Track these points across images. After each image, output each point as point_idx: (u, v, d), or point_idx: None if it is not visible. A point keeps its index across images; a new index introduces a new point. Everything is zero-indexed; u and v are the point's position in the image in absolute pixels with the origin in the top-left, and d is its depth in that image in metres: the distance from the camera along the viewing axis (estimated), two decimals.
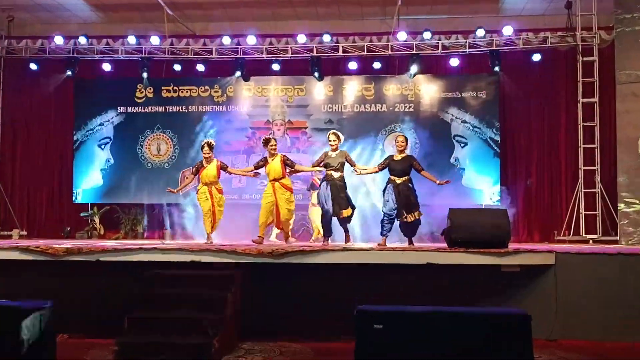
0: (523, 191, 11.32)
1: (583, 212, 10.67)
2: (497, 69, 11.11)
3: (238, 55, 11.55)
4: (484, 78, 11.42)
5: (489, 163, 11.26)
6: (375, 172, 8.51)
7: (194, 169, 8.75)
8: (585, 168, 10.83)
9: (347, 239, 8.45)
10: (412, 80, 11.47)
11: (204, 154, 8.61)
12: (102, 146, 11.97)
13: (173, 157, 11.88)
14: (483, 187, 11.22)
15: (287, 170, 8.50)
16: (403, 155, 8.20)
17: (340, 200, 8.14)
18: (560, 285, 6.97)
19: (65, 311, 6.27)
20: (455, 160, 11.37)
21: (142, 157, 11.94)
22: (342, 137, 8.40)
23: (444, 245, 7.54)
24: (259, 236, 8.38)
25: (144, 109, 11.95)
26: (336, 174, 8.16)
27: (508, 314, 4.79)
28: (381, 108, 11.60)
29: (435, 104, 11.49)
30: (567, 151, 11.28)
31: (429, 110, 11.50)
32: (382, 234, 8.15)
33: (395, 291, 6.86)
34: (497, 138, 11.26)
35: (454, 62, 11.37)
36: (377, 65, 11.49)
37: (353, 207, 8.36)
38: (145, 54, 11.65)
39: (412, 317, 4.61)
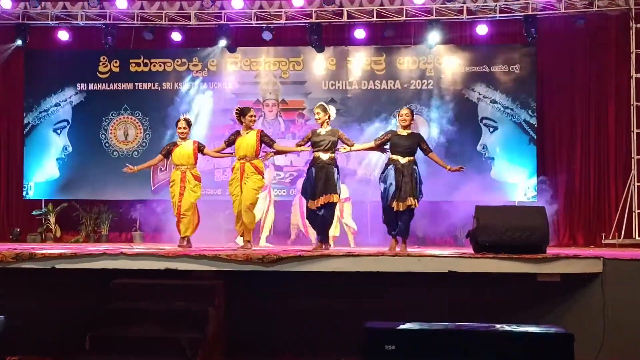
0: (564, 185, 11.42)
1: (636, 210, 10.75)
2: (533, 38, 11.16)
3: (222, 22, 11.59)
4: (517, 49, 11.50)
5: (523, 151, 11.35)
6: (372, 148, 8.24)
7: (164, 150, 8.46)
8: None
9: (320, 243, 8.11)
10: (431, 51, 11.57)
11: (180, 130, 8.42)
12: (59, 131, 12.00)
13: (143, 144, 11.91)
14: (516, 180, 11.31)
15: (262, 153, 8.28)
16: (409, 131, 8.02)
17: (326, 186, 7.84)
18: (609, 298, 6.81)
19: (16, 328, 6.32)
20: (483, 148, 11.47)
21: (107, 144, 11.98)
22: (332, 111, 8.15)
23: (469, 250, 7.53)
24: (246, 241, 8.24)
25: (109, 86, 11.98)
26: (325, 156, 7.93)
27: (546, 333, 4.80)
28: (394, 85, 11.69)
29: (459, 81, 11.59)
30: (618, 137, 11.32)
31: (451, 88, 11.59)
32: (391, 234, 7.98)
33: (409, 305, 6.83)
34: (534, 121, 11.32)
35: (482, 29, 11.45)
36: (389, 33, 11.52)
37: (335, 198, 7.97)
38: (109, 20, 11.65)
39: (430, 335, 4.61)
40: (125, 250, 7.18)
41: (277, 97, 11.79)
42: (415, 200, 7.71)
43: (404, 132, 7.97)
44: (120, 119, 11.95)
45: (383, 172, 7.91)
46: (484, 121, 11.47)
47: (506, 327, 5.18)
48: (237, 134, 8.26)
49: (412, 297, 6.90)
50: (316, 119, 8.13)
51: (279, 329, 7.12)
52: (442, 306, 6.83)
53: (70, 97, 11.97)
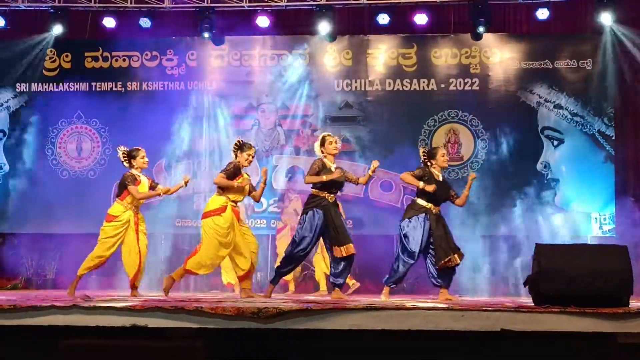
0: None
1: None
2: (606, 19, 11.06)
3: (204, 4, 11.62)
4: (589, 38, 11.44)
5: (597, 171, 11.31)
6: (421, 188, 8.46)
7: (130, 177, 8.54)
8: None
9: (342, 290, 8.59)
10: (476, 42, 11.54)
11: (143, 160, 8.67)
12: None
13: (102, 162, 11.88)
14: (589, 209, 11.23)
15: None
16: (441, 175, 8.49)
17: (337, 233, 8.30)
18: None
19: None
20: (545, 167, 11.41)
21: (55, 162, 11.93)
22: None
23: (529, 301, 7.52)
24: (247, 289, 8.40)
25: (57, 87, 11.98)
26: (330, 195, 8.39)
27: None
28: (427, 85, 11.65)
29: (512, 80, 11.58)
30: None
31: (502, 90, 11.59)
32: (387, 283, 8.50)
33: None
34: (611, 132, 11.25)
35: (542, 14, 11.39)
36: (421, 19, 11.46)
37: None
38: (58, 2, 11.66)
39: None
40: (81, 301, 7.20)
41: (275, 100, 11.76)
42: (458, 253, 8.33)
43: (440, 176, 8.45)
44: (72, 129, 11.92)
45: (407, 219, 8.37)
46: (546, 132, 11.40)
47: None
48: (238, 168, 8.41)
49: None
50: (332, 149, 8.39)
51: None
52: None
53: (7, 101, 11.96)
